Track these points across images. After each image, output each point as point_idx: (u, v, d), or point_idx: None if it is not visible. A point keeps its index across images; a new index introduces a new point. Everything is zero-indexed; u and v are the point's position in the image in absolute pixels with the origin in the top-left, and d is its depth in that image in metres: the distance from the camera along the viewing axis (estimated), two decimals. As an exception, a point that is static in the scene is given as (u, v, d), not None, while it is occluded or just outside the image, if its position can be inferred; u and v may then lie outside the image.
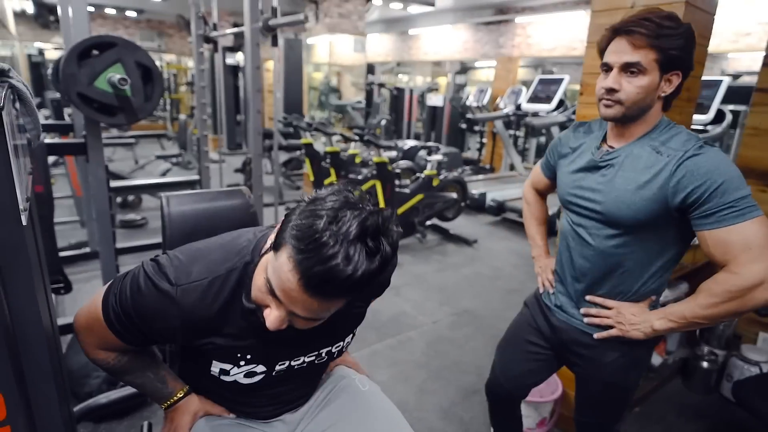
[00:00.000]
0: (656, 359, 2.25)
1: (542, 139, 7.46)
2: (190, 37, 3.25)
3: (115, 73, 1.81)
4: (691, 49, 1.01)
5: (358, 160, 4.82)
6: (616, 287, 1.13)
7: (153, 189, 3.69)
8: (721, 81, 4.02)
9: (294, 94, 7.27)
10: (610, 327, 1.13)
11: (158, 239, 1.17)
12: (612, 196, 1.06)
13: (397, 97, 8.11)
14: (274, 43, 2.66)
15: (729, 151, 4.23)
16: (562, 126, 5.45)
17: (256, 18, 2.36)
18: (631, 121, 1.06)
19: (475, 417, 2.00)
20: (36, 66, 9.11)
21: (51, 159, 4.92)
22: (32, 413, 0.79)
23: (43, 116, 5.24)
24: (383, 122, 7.53)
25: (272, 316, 0.70)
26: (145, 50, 1.90)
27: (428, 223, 4.42)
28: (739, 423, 2.00)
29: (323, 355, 0.93)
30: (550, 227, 1.69)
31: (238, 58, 7.53)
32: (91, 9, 10.00)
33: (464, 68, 10.28)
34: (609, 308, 1.13)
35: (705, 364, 2.20)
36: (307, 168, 5.02)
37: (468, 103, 7.59)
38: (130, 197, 4.78)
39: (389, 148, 4.19)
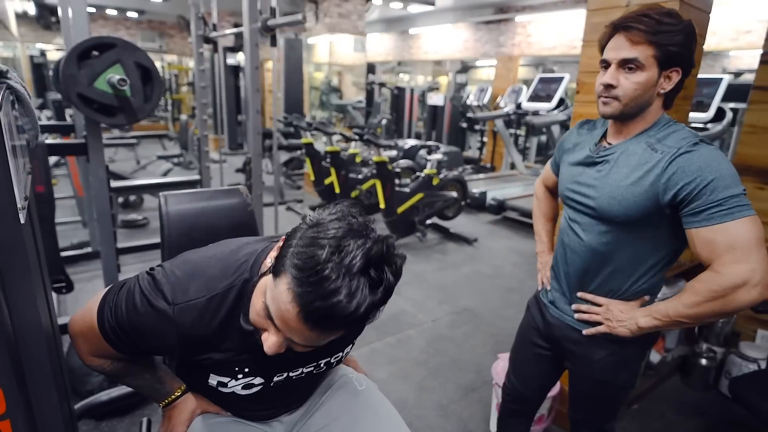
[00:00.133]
0: (655, 356, 2.26)
1: (543, 137, 7.46)
2: (191, 37, 3.27)
3: (115, 74, 1.82)
4: (692, 46, 1.00)
5: (358, 159, 4.84)
6: (606, 284, 1.13)
7: (154, 189, 3.70)
8: (721, 79, 4.02)
9: (294, 93, 7.29)
10: (599, 324, 1.13)
11: (159, 239, 1.18)
12: (605, 192, 1.06)
13: (398, 96, 8.11)
14: (273, 44, 2.67)
15: (729, 149, 4.23)
16: (563, 125, 5.45)
17: (255, 18, 2.37)
18: (630, 118, 1.05)
19: (474, 414, 2.01)
20: (38, 67, 9.14)
21: (53, 159, 4.94)
22: (32, 409, 0.80)
23: (45, 117, 5.27)
24: (384, 122, 7.54)
25: (270, 342, 0.68)
26: (144, 51, 1.91)
27: (428, 222, 4.43)
28: (738, 420, 2.00)
29: (322, 365, 0.93)
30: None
31: (239, 58, 7.54)
32: (92, 10, 10.04)
33: (465, 67, 10.28)
34: (599, 305, 1.14)
35: (704, 362, 2.20)
36: (307, 167, 5.04)
37: (468, 102, 7.59)
38: (132, 197, 4.80)
39: (389, 147, 4.20)
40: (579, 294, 1.18)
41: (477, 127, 7.68)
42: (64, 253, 3.07)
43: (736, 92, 4.26)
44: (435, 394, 2.14)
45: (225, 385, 0.85)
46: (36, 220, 0.95)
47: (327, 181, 4.79)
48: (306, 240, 0.62)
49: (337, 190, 4.49)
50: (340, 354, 0.95)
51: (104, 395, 1.51)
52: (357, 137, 4.26)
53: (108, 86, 1.84)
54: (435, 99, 7.85)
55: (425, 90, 8.47)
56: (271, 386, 0.89)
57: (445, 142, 7.74)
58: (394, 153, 5.19)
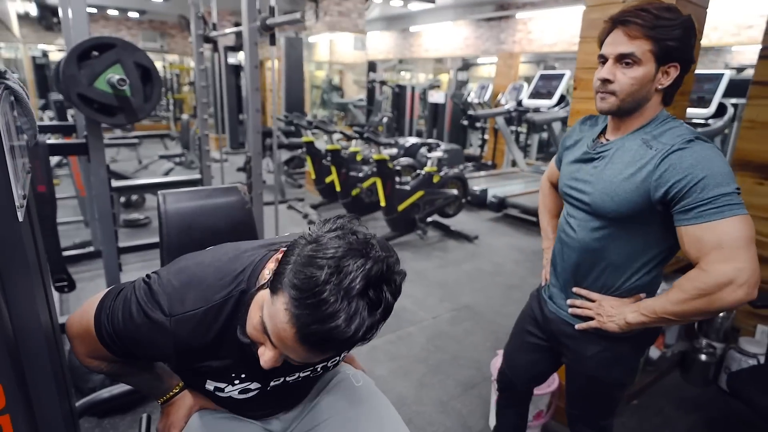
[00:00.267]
0: (654, 352, 2.26)
1: (544, 135, 7.45)
2: (191, 37, 3.28)
3: (115, 74, 1.84)
4: (690, 41, 0.99)
5: (359, 157, 4.84)
6: (600, 280, 1.13)
7: (155, 188, 3.71)
8: (722, 74, 4.00)
9: (295, 92, 7.30)
10: (592, 319, 1.13)
11: (159, 237, 1.19)
12: (599, 188, 1.06)
13: (399, 94, 8.12)
14: (272, 42, 2.67)
15: (730, 145, 4.22)
16: (564, 121, 5.44)
17: (254, 17, 2.38)
18: (628, 114, 1.05)
19: (474, 411, 2.02)
20: (40, 68, 9.19)
21: (55, 160, 4.97)
22: (32, 405, 0.81)
23: (48, 118, 5.29)
24: (385, 120, 7.54)
25: (266, 356, 0.67)
26: (143, 51, 1.92)
27: (429, 219, 4.43)
28: (737, 415, 2.00)
29: (319, 370, 0.94)
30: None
31: (240, 57, 7.56)
32: (94, 10, 10.06)
33: (466, 65, 10.26)
34: (593, 301, 1.14)
35: (703, 357, 2.21)
36: (308, 166, 5.05)
37: (469, 99, 7.59)
38: (134, 197, 4.83)
39: (389, 145, 4.20)
40: (574, 289, 1.19)
41: (478, 124, 7.68)
42: (66, 253, 3.09)
43: (738, 88, 4.25)
44: (435, 390, 2.15)
45: (222, 390, 0.86)
46: (36, 219, 0.96)
47: (328, 180, 4.80)
48: (304, 258, 0.60)
49: (338, 189, 4.50)
50: (338, 358, 0.96)
51: (105, 392, 1.52)
52: (357, 135, 4.27)
53: (108, 86, 1.85)
54: (436, 97, 7.85)
55: (426, 88, 8.47)
56: (267, 390, 0.89)
57: (446, 140, 7.74)
58: (394, 151, 5.19)
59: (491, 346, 2.51)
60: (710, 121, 4.14)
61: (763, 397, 1.45)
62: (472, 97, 7.56)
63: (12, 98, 0.79)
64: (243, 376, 0.84)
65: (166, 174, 6.07)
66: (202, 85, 3.23)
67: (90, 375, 1.91)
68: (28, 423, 0.78)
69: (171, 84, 10.70)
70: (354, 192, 4.48)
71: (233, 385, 0.85)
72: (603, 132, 1.16)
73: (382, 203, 3.92)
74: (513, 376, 1.45)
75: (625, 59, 0.99)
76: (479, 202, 5.09)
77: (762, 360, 2.05)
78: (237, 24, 2.48)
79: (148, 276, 0.80)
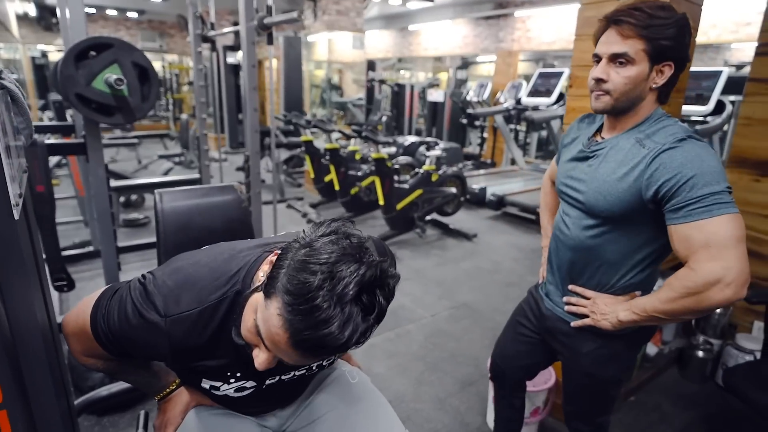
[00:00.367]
0: (652, 349, 2.27)
1: (544, 133, 7.45)
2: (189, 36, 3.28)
3: (112, 74, 1.84)
4: (685, 40, 0.99)
5: (357, 156, 4.85)
6: (594, 278, 1.14)
7: (154, 188, 3.71)
8: (721, 72, 4.01)
9: (294, 91, 7.31)
10: (587, 316, 1.14)
11: (157, 236, 1.20)
12: (593, 187, 1.07)
13: (398, 93, 8.11)
14: (270, 42, 2.67)
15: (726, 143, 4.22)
16: (563, 120, 5.45)
17: (251, 16, 2.38)
18: (623, 113, 1.05)
19: (471, 407, 2.02)
20: (39, 68, 9.19)
21: (55, 160, 4.98)
22: (29, 402, 0.82)
23: (47, 118, 5.29)
24: (384, 119, 7.54)
25: (260, 358, 0.68)
26: (141, 51, 1.93)
27: (428, 218, 4.44)
28: (734, 411, 2.01)
29: (314, 368, 0.95)
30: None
31: (239, 56, 7.56)
32: (92, 11, 10.06)
33: (465, 63, 10.26)
34: (588, 298, 1.15)
35: (700, 354, 2.21)
36: (307, 165, 5.05)
37: (468, 98, 7.59)
38: (133, 197, 4.83)
39: (387, 143, 4.20)
40: (569, 287, 1.19)
41: (477, 123, 7.68)
42: (66, 253, 3.11)
43: (737, 85, 4.26)
44: (433, 387, 2.16)
45: (218, 389, 0.87)
46: (32, 218, 0.97)
47: (327, 179, 4.81)
48: (298, 263, 0.60)
49: (337, 188, 4.51)
50: (333, 357, 0.96)
51: (104, 390, 1.54)
52: (356, 134, 4.27)
53: (106, 86, 1.86)
54: (435, 95, 7.85)
55: (425, 86, 8.47)
56: (263, 388, 0.90)
57: (446, 139, 7.74)
58: (393, 150, 5.19)
59: (489, 343, 2.52)
60: (709, 118, 4.14)
61: (757, 393, 1.46)
62: (471, 96, 7.56)
63: (8, 98, 0.80)
64: (238, 375, 0.85)
65: (166, 174, 6.08)
66: (200, 85, 3.23)
67: (89, 374, 1.92)
68: (26, 420, 0.79)
69: (170, 84, 10.71)
70: (353, 191, 4.49)
71: (229, 384, 0.86)
72: (599, 130, 1.16)
73: (381, 202, 3.93)
74: (503, 365, 1.47)
75: (618, 59, 0.99)
76: (478, 201, 5.10)
77: (758, 356, 2.05)
78: (235, 23, 2.49)
79: (143, 276, 0.80)
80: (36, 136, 2.03)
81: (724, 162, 2.75)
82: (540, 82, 5.77)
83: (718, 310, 2.23)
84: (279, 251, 0.67)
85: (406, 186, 4.04)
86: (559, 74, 5.50)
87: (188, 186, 1.39)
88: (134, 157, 6.82)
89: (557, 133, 5.50)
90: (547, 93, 5.64)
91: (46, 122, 4.78)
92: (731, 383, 1.54)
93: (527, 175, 6.03)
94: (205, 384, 0.86)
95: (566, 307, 1.19)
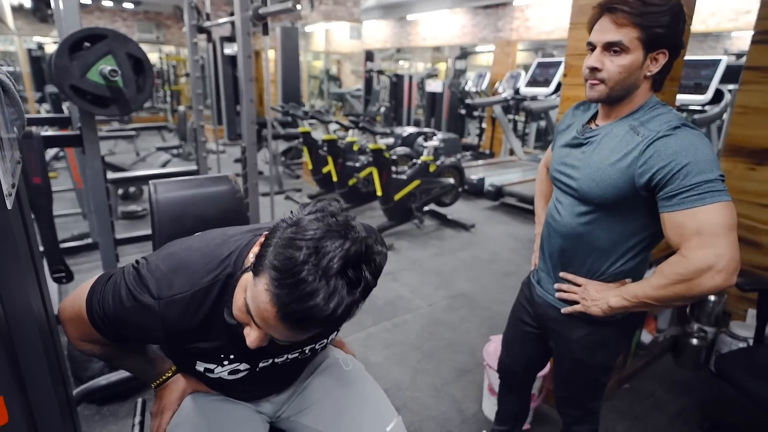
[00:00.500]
0: (647, 337, 2.29)
1: (542, 123, 7.43)
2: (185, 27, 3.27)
3: (107, 65, 1.84)
4: (679, 27, 0.99)
5: (355, 147, 4.84)
6: (586, 265, 1.14)
7: (151, 180, 3.73)
8: (719, 60, 3.99)
9: (292, 82, 7.27)
10: (577, 303, 1.15)
11: (157, 228, 1.20)
12: (586, 173, 1.07)
13: (396, 83, 8.08)
14: (265, 32, 2.67)
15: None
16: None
17: (246, 7, 2.37)
18: (617, 101, 1.05)
19: (467, 395, 2.05)
20: (36, 60, 9.14)
21: (53, 152, 4.98)
22: (26, 391, 0.83)
23: (45, 110, 5.27)
24: (382, 109, 7.52)
25: (252, 337, 0.69)
26: (135, 42, 1.92)
27: (426, 208, 4.45)
28: (727, 397, 2.03)
29: (307, 352, 0.96)
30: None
31: (236, 48, 7.50)
32: (88, 1, 9.98)
33: (464, 53, 10.20)
34: (579, 285, 1.16)
35: (695, 341, 2.24)
36: (305, 156, 5.05)
37: (467, 88, 7.56)
38: (131, 189, 4.84)
39: (385, 134, 4.20)
40: (560, 274, 1.20)
41: (476, 113, 7.66)
42: (65, 245, 3.12)
43: (736, 74, 4.27)
44: (429, 376, 2.18)
45: (212, 371, 0.88)
46: (27, 209, 0.97)
47: (325, 170, 4.80)
48: (284, 241, 0.62)
49: (335, 179, 4.51)
50: (325, 341, 0.98)
51: (103, 380, 1.55)
52: (353, 125, 4.27)
53: (100, 77, 1.86)
54: (433, 86, 7.82)
55: (423, 77, 8.44)
56: (257, 371, 0.91)
57: (444, 129, 7.73)
58: (390, 140, 5.19)
59: (486, 332, 2.54)
60: (707, 107, 4.14)
61: (748, 379, 1.48)
62: (470, 86, 7.53)
63: (0, 89, 0.80)
64: (232, 357, 0.86)
65: (164, 166, 6.08)
66: (196, 76, 3.22)
67: (89, 364, 1.94)
68: (23, 407, 0.80)
69: (168, 76, 10.64)
70: (351, 182, 4.49)
71: (222, 366, 0.87)
72: (594, 118, 1.17)
73: (379, 193, 3.93)
74: (513, 365, 1.49)
75: (612, 47, 0.99)
76: (476, 191, 5.10)
77: (752, 343, 2.07)
78: (232, 14, 2.48)
79: (136, 261, 0.82)
80: (33, 128, 2.03)
81: (719, 151, 2.76)
82: (538, 72, 5.75)
83: (712, 298, 2.24)
84: (267, 232, 0.69)
85: (403, 177, 4.04)
86: (558, 64, 5.48)
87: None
88: (132, 150, 6.81)
89: (555, 123, 5.49)
90: (546, 83, 5.62)
91: (44, 114, 4.77)
92: (723, 369, 1.56)
93: (525, 165, 6.03)
94: (200, 367, 0.87)
95: (557, 294, 1.20)
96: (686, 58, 3.39)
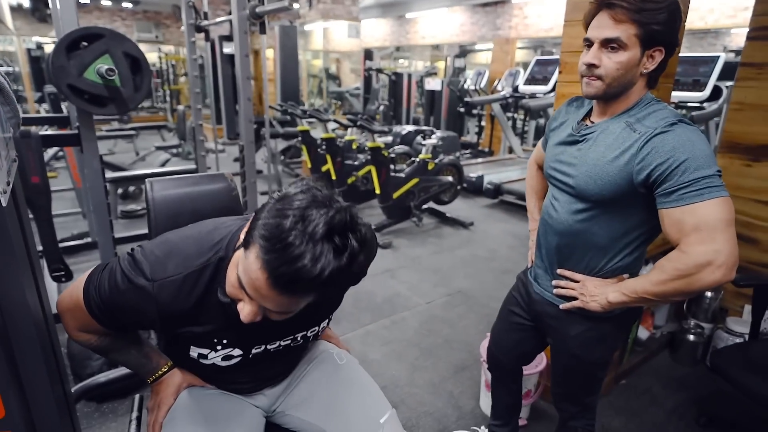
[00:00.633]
0: (644, 333, 2.30)
1: (541, 121, 7.43)
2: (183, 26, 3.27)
3: (104, 64, 1.84)
4: (675, 25, 0.99)
5: (354, 146, 4.85)
6: (583, 262, 1.15)
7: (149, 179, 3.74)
8: (717, 57, 3.99)
9: (291, 81, 7.27)
10: (576, 299, 1.16)
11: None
12: (583, 170, 1.07)
13: (396, 82, 8.07)
14: (263, 31, 2.67)
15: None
16: (559, 107, 5.43)
17: (243, 5, 2.38)
18: (614, 98, 1.05)
19: (464, 391, 2.06)
20: (36, 60, 9.14)
21: (52, 152, 4.99)
22: (23, 387, 0.84)
23: (44, 110, 5.27)
24: (381, 108, 7.52)
25: (246, 311, 0.72)
26: (132, 41, 1.93)
27: (425, 206, 4.45)
28: (723, 393, 2.03)
29: (299, 339, 0.97)
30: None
31: (235, 46, 7.50)
32: (87, 1, 9.97)
33: (463, 51, 10.19)
34: (577, 281, 1.16)
35: (692, 337, 2.24)
36: (304, 155, 5.05)
37: (466, 86, 7.56)
38: (131, 188, 4.85)
39: (383, 132, 4.20)
40: (558, 270, 1.21)
41: (475, 111, 7.66)
42: (64, 244, 3.13)
43: (735, 70, 4.28)
44: (427, 372, 2.19)
45: (205, 356, 0.90)
46: (24, 207, 0.98)
47: (324, 169, 4.81)
48: (272, 212, 0.66)
49: (334, 177, 4.52)
50: (316, 328, 0.98)
51: (102, 377, 1.57)
52: (351, 124, 4.27)
53: (97, 77, 1.86)
54: (432, 84, 7.81)
55: (422, 75, 8.43)
56: (249, 358, 0.93)
57: (444, 128, 7.72)
58: (389, 139, 5.19)
59: (483, 329, 2.55)
60: (705, 104, 4.14)
61: (742, 373, 1.49)
62: (469, 84, 7.52)
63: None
64: (225, 342, 0.88)
65: (163, 165, 6.08)
66: (195, 75, 3.23)
67: (88, 362, 1.95)
68: (19, 402, 0.81)
69: (167, 75, 10.65)
70: (350, 180, 4.50)
71: (216, 351, 0.89)
72: (588, 114, 1.17)
73: (378, 191, 3.94)
74: (500, 355, 1.50)
75: (610, 44, 0.99)
76: (475, 189, 5.11)
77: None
78: (230, 13, 2.50)
79: (132, 249, 0.85)
80: (31, 127, 2.04)
81: (716, 147, 2.76)
82: (537, 70, 5.75)
83: (708, 294, 2.25)
84: (255, 211, 0.72)
85: (402, 175, 4.05)
86: (556, 61, 5.47)
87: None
88: (132, 149, 6.82)
89: (554, 120, 5.48)
90: (544, 81, 5.61)
91: (43, 114, 4.78)
92: (717, 365, 1.57)
93: (524, 163, 6.03)
94: (193, 353, 0.89)
95: (555, 290, 1.21)
96: (685, 55, 3.39)
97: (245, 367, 0.94)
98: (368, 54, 8.71)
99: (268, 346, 0.93)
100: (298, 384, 1.07)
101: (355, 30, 7.83)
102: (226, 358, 0.91)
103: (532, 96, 5.54)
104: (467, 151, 7.25)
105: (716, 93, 4.01)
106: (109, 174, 3.40)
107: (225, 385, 1.02)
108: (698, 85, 3.99)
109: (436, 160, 4.26)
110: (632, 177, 0.99)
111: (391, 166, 4.04)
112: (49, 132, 3.19)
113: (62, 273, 2.22)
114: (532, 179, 1.49)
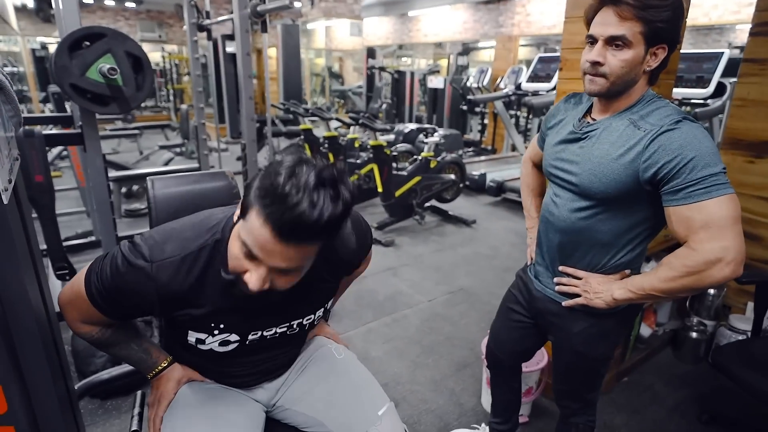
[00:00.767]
0: (646, 330, 2.29)
1: (544, 118, 7.40)
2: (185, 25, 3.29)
3: (106, 64, 1.85)
4: (679, 22, 0.99)
5: (357, 144, 4.86)
6: (585, 259, 1.14)
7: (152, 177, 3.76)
8: (721, 53, 3.97)
9: (293, 79, 7.28)
10: (579, 296, 1.15)
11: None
12: (586, 168, 1.06)
13: (398, 80, 8.07)
14: (264, 29, 2.68)
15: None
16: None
17: (245, 4, 2.39)
18: (616, 95, 1.05)
19: (466, 389, 2.06)
20: (40, 60, 9.19)
21: (56, 151, 5.01)
22: (25, 383, 0.85)
23: (49, 110, 5.30)
24: (384, 106, 7.52)
25: (254, 278, 0.74)
26: (134, 40, 1.94)
27: (427, 204, 4.45)
28: (725, 390, 2.04)
29: (294, 326, 0.98)
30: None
31: (237, 45, 7.51)
32: (90, 1, 10.01)
33: (466, 49, 10.18)
34: (579, 278, 1.16)
35: (694, 335, 2.24)
36: (307, 153, 5.06)
37: (468, 84, 7.54)
38: (135, 187, 4.87)
39: (385, 131, 4.21)
40: (560, 268, 1.20)
41: (477, 109, 7.64)
42: (68, 242, 3.15)
43: (738, 67, 4.24)
44: (429, 370, 2.19)
45: (203, 342, 0.91)
46: (26, 205, 0.99)
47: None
48: (263, 176, 0.70)
49: (336, 175, 4.52)
50: (312, 317, 0.99)
51: (105, 374, 1.58)
52: (353, 122, 4.28)
53: (100, 76, 1.87)
54: (435, 82, 7.80)
55: (425, 73, 8.42)
56: (246, 345, 0.94)
57: (446, 126, 7.71)
58: (391, 137, 5.19)
59: (485, 327, 2.55)
60: (709, 101, 4.11)
61: (744, 370, 1.48)
62: (471, 82, 7.51)
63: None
64: (222, 326, 0.89)
65: (166, 164, 6.10)
66: (197, 74, 3.24)
67: (92, 359, 1.96)
68: (22, 398, 0.82)
69: (170, 74, 10.68)
70: (352, 178, 4.50)
71: (213, 336, 0.90)
72: (588, 111, 1.16)
73: (380, 189, 3.94)
74: (499, 352, 1.50)
75: (615, 41, 0.98)
76: (478, 187, 5.10)
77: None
78: (232, 12, 2.51)
79: (132, 236, 0.88)
80: (35, 127, 2.05)
81: (719, 144, 2.75)
82: (540, 67, 5.73)
83: (711, 291, 2.25)
84: (246, 184, 0.76)
85: (404, 173, 4.05)
86: (559, 59, 5.46)
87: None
88: (136, 148, 6.85)
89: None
90: (547, 78, 5.59)
91: (47, 114, 4.81)
92: (719, 362, 1.56)
93: (527, 161, 6.01)
94: (191, 337, 0.91)
95: (557, 288, 1.20)
96: (688, 51, 3.36)
97: (243, 356, 0.96)
98: (371, 52, 8.71)
99: (265, 332, 0.94)
100: (296, 379, 1.08)
101: (358, 28, 7.83)
102: (223, 343, 0.92)
103: (535, 93, 5.52)
104: (470, 149, 7.24)
105: (720, 90, 3.99)
106: (113, 173, 3.42)
107: (224, 379, 1.03)
108: (702, 82, 3.96)
109: (439, 158, 4.26)
110: (638, 174, 0.98)
111: (394, 164, 4.04)
112: (53, 131, 3.21)
113: (66, 271, 2.24)
114: (528, 177, 1.48)
